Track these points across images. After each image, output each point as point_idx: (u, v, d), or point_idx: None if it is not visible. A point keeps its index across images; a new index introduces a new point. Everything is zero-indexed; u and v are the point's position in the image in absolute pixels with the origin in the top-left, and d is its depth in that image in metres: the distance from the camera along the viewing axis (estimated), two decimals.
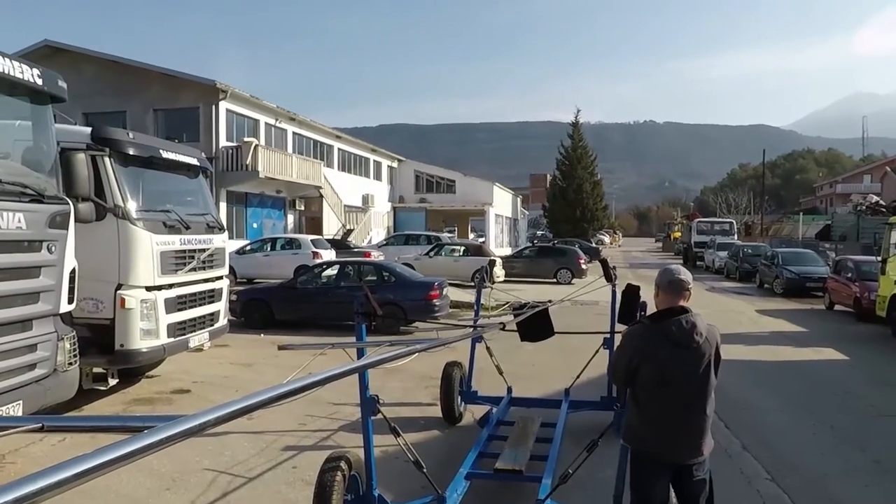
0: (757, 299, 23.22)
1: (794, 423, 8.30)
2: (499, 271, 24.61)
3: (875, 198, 37.77)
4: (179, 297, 8.64)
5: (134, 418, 1.79)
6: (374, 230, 42.74)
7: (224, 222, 11.02)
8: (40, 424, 1.71)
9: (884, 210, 31.03)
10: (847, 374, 11.39)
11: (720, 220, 53.49)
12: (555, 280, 28.11)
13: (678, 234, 63.47)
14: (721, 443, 7.30)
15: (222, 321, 9.94)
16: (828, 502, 5.85)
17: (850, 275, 18.86)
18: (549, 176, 79.00)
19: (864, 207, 34.53)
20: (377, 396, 4.77)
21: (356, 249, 28.67)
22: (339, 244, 28.92)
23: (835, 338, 14.87)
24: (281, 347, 4.19)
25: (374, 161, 46.88)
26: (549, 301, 7.95)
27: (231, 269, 13.74)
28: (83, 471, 1.23)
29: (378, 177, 47.37)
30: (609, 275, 8.20)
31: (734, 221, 51.83)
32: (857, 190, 62.77)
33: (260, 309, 15.06)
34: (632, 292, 4.38)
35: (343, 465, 4.44)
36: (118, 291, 7.83)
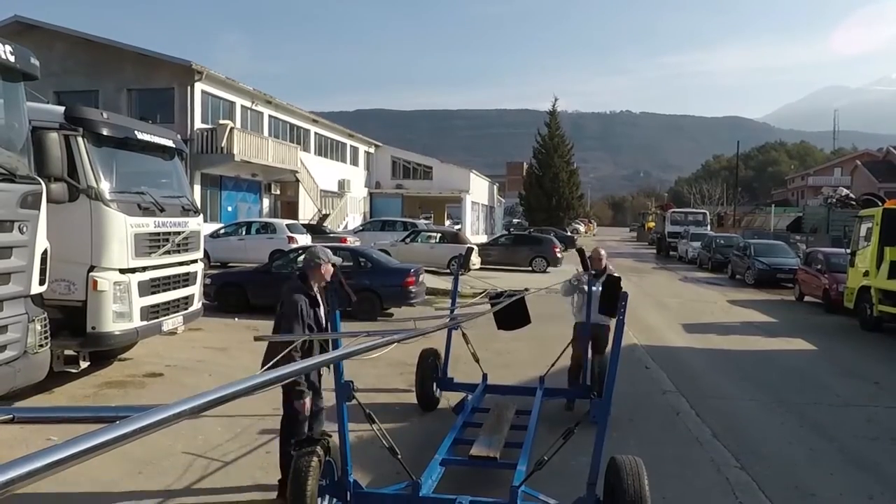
0: (729, 289, 23.52)
1: (764, 412, 8.44)
2: (475, 259, 24.65)
3: (845, 191, 38.31)
4: (153, 280, 8.55)
5: (107, 408, 1.76)
6: (350, 216, 42.53)
7: (199, 205, 10.90)
8: (11, 416, 1.67)
9: (854, 203, 31.48)
10: (815, 364, 11.60)
11: (694, 210, 53.93)
12: (530, 268, 28.22)
13: (652, 225, 63.90)
14: (692, 431, 7.44)
15: (196, 305, 9.86)
16: (795, 490, 5.96)
17: (819, 267, 19.18)
18: (525, 164, 79.09)
19: (834, 200, 35.00)
20: (352, 383, 4.77)
21: (332, 235, 28.51)
22: (315, 229, 28.74)
23: (804, 328, 15.12)
24: (257, 339, 4.16)
25: (351, 146, 46.59)
26: (526, 290, 8.02)
27: (205, 252, 13.62)
28: (56, 461, 1.22)
29: (355, 162, 47.10)
30: (586, 264, 8.27)
31: (707, 212, 52.29)
32: (828, 183, 63.52)
33: (234, 293, 14.95)
34: (613, 284, 4.40)
35: (318, 450, 4.44)
36: (91, 273, 7.73)
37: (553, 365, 7.91)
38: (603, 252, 8.38)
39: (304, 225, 28.05)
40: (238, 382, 1.73)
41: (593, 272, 8.05)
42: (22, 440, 6.20)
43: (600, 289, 7.68)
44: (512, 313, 7.52)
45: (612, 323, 7.82)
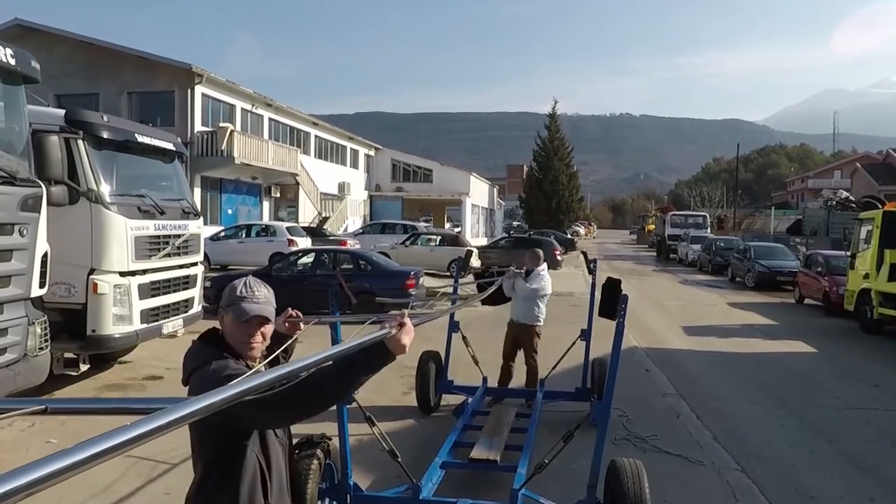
0: (729, 292, 23.51)
1: (764, 415, 8.44)
2: (475, 261, 24.66)
3: (845, 193, 38.28)
4: (153, 282, 8.55)
5: (138, 400, 1.76)
6: (351, 218, 42.55)
7: (199, 208, 10.91)
8: (43, 407, 1.69)
9: (853, 206, 31.46)
10: (815, 367, 11.59)
11: (694, 213, 53.91)
12: None
13: (652, 227, 63.90)
14: (692, 434, 7.43)
15: (196, 307, 9.86)
16: (795, 493, 5.95)
17: (819, 269, 19.16)
18: (525, 167, 79.13)
19: (834, 203, 35.00)
20: None
21: (332, 237, 28.53)
22: (315, 232, 28.76)
23: (804, 331, 15.11)
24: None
25: (351, 149, 46.61)
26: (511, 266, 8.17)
27: (205, 255, 13.61)
28: (93, 454, 1.21)
29: (355, 165, 47.12)
30: (590, 267, 8.31)
31: (707, 215, 52.27)
32: (828, 185, 63.58)
33: None
34: (613, 286, 4.38)
35: (318, 453, 4.44)
36: (91, 276, 7.74)
37: (553, 368, 7.91)
38: (540, 252, 8.47)
39: (304, 228, 28.07)
40: (263, 374, 1.72)
41: (521, 271, 8.14)
42: (22, 442, 6.21)
43: (528, 286, 7.97)
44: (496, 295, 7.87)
45: (539, 323, 8.08)
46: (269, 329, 2.53)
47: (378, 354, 2.18)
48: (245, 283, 2.51)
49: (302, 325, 2.81)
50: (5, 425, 6.56)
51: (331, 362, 2.11)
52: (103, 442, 1.22)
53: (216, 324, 2.55)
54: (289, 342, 2.69)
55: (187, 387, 2.41)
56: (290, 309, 2.81)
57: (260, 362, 2.49)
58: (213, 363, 2.33)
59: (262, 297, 2.48)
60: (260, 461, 2.40)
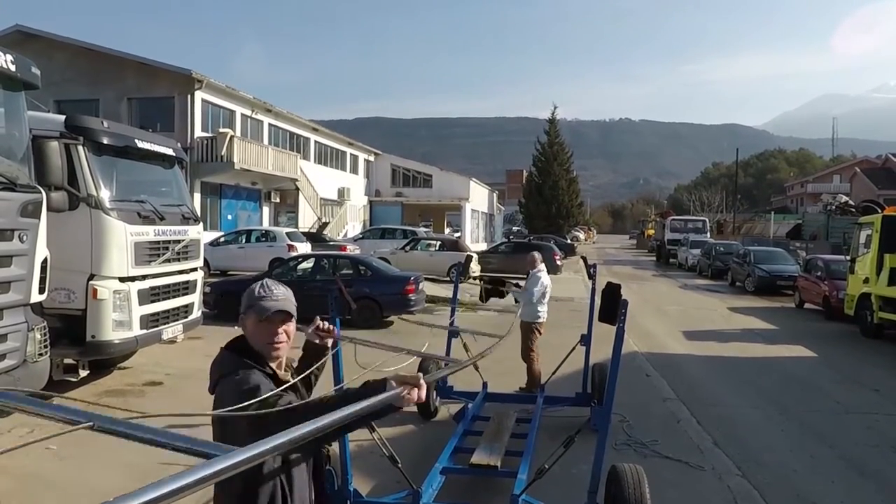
0: (729, 297, 23.50)
1: (765, 420, 8.43)
2: (475, 266, 24.65)
3: (844, 198, 38.35)
4: (153, 288, 8.54)
5: (189, 440, 1.73)
6: (350, 224, 42.53)
7: (199, 213, 10.91)
8: (91, 424, 1.68)
9: (853, 210, 31.48)
10: (816, 371, 11.58)
11: (693, 218, 53.84)
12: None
13: (652, 232, 63.89)
14: (693, 439, 7.43)
15: (196, 313, 9.84)
16: (796, 498, 5.94)
17: (819, 274, 19.16)
18: (525, 172, 79.20)
19: (833, 207, 35.03)
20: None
21: (332, 243, 28.52)
22: (315, 237, 28.75)
23: (804, 336, 15.10)
24: None
25: (351, 154, 46.62)
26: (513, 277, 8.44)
27: (205, 260, 13.62)
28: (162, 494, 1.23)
29: (354, 170, 47.13)
30: (590, 272, 8.34)
31: (707, 219, 52.23)
32: (827, 190, 63.68)
33: (234, 302, 14.85)
34: (613, 291, 4.37)
35: None
36: (90, 282, 7.74)
37: (554, 373, 7.90)
38: (536, 255, 9.39)
39: (304, 233, 28.05)
40: (304, 426, 1.68)
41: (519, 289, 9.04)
42: (23, 447, 6.17)
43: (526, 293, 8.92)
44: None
45: (536, 321, 8.87)
46: (291, 328, 2.53)
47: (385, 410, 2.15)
48: (262, 284, 2.53)
49: (329, 342, 2.80)
50: (5, 430, 6.55)
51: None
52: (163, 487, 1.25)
53: (217, 330, 2.57)
54: (323, 359, 2.70)
55: (213, 395, 2.42)
56: (317, 318, 2.81)
57: (292, 375, 2.52)
58: (239, 372, 2.34)
59: (281, 295, 2.50)
60: (281, 480, 2.37)
